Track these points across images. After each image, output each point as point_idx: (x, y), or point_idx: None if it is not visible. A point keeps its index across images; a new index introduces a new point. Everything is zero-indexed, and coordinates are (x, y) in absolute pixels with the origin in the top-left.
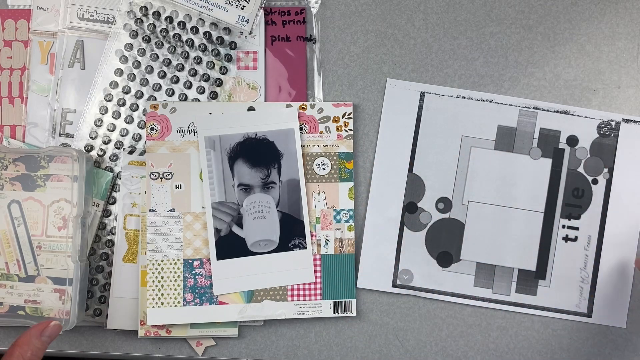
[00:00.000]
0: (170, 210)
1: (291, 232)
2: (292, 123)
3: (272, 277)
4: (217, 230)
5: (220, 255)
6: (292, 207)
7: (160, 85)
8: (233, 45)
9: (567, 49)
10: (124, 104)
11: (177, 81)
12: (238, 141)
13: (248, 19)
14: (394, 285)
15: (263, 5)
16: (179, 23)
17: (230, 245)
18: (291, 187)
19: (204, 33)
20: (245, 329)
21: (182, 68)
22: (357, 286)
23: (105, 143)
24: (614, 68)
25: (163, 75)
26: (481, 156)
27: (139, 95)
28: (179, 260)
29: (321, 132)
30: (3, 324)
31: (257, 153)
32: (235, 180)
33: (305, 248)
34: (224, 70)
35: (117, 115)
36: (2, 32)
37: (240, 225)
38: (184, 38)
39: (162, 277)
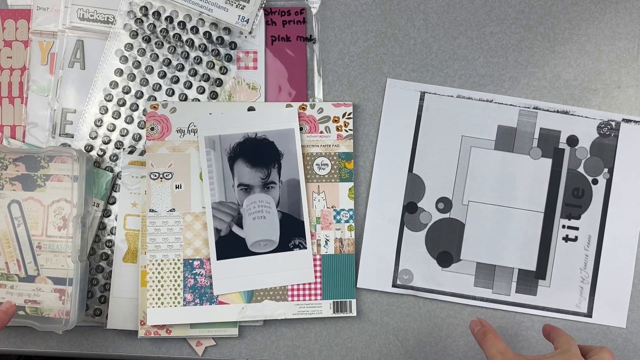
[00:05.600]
0: (170, 210)
1: (291, 232)
2: (292, 123)
3: (272, 277)
4: (217, 230)
5: (220, 255)
6: (292, 207)
7: (160, 85)
8: (233, 45)
9: (567, 49)
10: (124, 104)
11: (177, 81)
12: (238, 141)
13: (248, 19)
14: (394, 285)
15: (263, 5)
16: (179, 23)
17: (230, 245)
18: (291, 187)
19: (204, 33)
20: (245, 329)
21: (182, 68)
22: (357, 286)
23: (105, 143)
24: (614, 68)
25: (163, 75)
26: (481, 156)
27: (139, 95)
28: (179, 260)
29: (321, 132)
30: None
31: (257, 153)
32: (235, 180)
33: (305, 248)
34: (224, 70)
35: (117, 115)
36: (2, 32)
37: (240, 225)
38: (184, 38)
39: (162, 277)
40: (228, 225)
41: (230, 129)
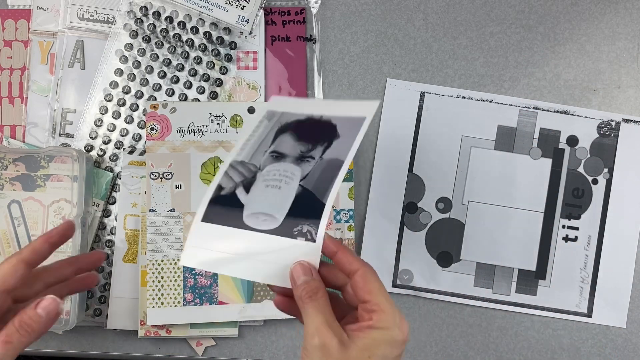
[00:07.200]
0: (170, 210)
1: (303, 214)
2: (365, 112)
3: (259, 268)
4: (219, 187)
5: (208, 217)
6: (319, 184)
7: (160, 85)
8: (233, 45)
9: (567, 49)
10: (124, 104)
11: (177, 81)
12: (299, 119)
13: (248, 19)
14: (394, 285)
15: (263, 5)
16: (179, 23)
17: (225, 210)
18: (330, 165)
19: (204, 33)
20: (245, 329)
21: (182, 68)
22: None
23: (105, 143)
24: (614, 68)
25: (163, 75)
26: (481, 156)
27: (139, 95)
28: (179, 260)
29: None
30: None
31: (311, 129)
32: (272, 147)
33: (314, 241)
34: (224, 70)
35: (117, 115)
36: (2, 32)
37: (247, 190)
38: (184, 38)
39: (162, 277)
40: (235, 185)
41: (298, 110)
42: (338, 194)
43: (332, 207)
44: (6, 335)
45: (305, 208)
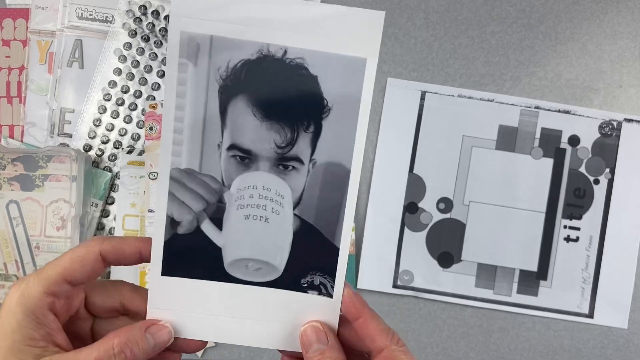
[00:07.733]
0: None
1: (311, 261)
2: (366, 46)
3: (260, 330)
4: (172, 223)
5: (170, 269)
6: (324, 216)
7: (159, 85)
8: None
9: (569, 48)
10: (122, 104)
11: None
12: (246, 58)
13: None
14: (395, 286)
15: None
16: None
17: (192, 255)
18: (331, 177)
19: None
20: None
21: None
22: (357, 287)
23: (103, 143)
24: (616, 67)
25: (162, 75)
26: (482, 156)
27: (138, 94)
28: None
29: None
30: None
31: (281, 92)
32: (226, 137)
33: (331, 296)
34: None
35: (115, 114)
36: (1, 31)
37: (218, 222)
38: None
39: None
40: (195, 217)
41: (236, 29)
42: None
43: None
44: (96, 359)
45: (312, 251)
